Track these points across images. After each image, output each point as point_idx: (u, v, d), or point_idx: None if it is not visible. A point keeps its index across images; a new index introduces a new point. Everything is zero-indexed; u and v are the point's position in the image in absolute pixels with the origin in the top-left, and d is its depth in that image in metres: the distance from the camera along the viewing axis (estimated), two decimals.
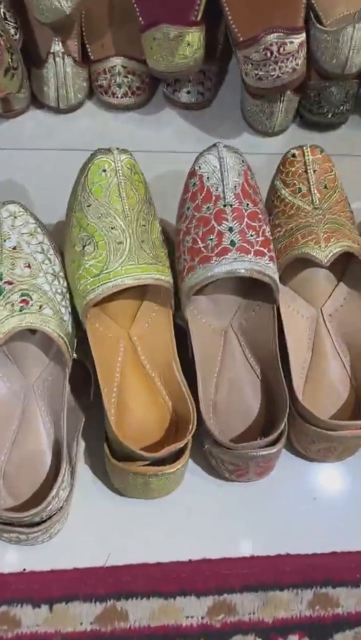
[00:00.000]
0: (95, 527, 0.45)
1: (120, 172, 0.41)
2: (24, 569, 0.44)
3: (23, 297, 0.38)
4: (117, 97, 0.59)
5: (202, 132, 0.62)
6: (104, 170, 0.41)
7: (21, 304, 0.38)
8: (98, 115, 0.62)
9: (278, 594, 0.45)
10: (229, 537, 0.46)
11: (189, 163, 0.47)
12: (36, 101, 0.61)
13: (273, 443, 0.42)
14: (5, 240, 0.40)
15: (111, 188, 0.41)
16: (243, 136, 0.63)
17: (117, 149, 0.41)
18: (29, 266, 0.39)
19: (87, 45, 0.58)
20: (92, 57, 0.58)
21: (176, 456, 0.43)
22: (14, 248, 0.40)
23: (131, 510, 0.46)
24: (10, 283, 0.38)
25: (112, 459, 0.42)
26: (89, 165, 0.42)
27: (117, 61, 0.57)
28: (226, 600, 0.45)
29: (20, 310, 0.38)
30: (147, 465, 0.42)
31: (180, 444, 0.41)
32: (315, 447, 0.45)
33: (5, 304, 0.38)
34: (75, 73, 0.57)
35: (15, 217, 0.41)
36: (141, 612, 0.44)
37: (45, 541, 0.42)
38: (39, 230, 0.42)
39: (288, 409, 0.43)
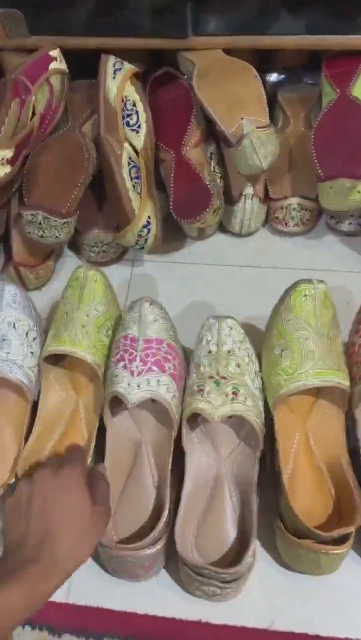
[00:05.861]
0: (263, 594, 0.52)
1: (317, 298, 0.52)
2: (200, 619, 0.51)
3: (234, 390, 0.49)
4: (289, 226, 0.72)
5: (359, 255, 0.72)
6: (305, 295, 0.52)
7: (232, 396, 0.49)
8: (268, 239, 0.76)
9: None
10: None
11: (348, 280, 0.56)
12: (221, 227, 0.75)
13: None
14: (222, 345, 0.52)
15: (309, 309, 0.51)
16: None
17: (317, 280, 0.52)
18: (238, 366, 0.50)
19: (269, 187, 0.72)
20: (272, 196, 0.72)
21: (341, 540, 0.49)
22: (229, 351, 0.51)
23: (295, 583, 0.52)
24: (224, 378, 0.50)
25: (288, 534, 0.49)
26: (293, 290, 0.53)
27: (293, 200, 0.70)
28: None
29: (232, 401, 0.48)
30: (318, 543, 0.48)
31: (351, 529, 0.48)
32: None
33: (221, 393, 0.49)
34: (259, 209, 0.71)
35: (231, 328, 0.53)
36: None
37: (231, 599, 0.50)
38: (246, 339, 0.54)
39: None
